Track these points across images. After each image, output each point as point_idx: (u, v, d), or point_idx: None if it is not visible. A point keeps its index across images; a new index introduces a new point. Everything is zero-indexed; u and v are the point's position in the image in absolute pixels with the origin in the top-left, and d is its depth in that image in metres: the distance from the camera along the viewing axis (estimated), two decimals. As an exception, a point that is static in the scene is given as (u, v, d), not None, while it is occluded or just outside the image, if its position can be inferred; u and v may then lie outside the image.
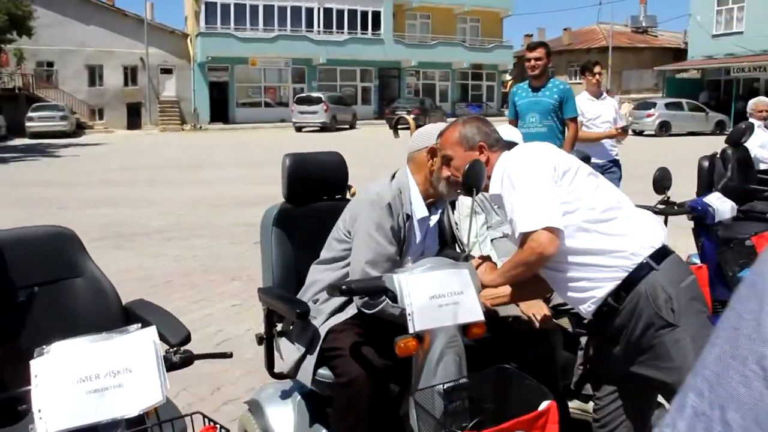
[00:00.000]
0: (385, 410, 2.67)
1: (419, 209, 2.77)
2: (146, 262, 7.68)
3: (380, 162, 14.99)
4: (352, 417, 2.55)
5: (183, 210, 11.41)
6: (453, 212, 3.70)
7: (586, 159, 5.08)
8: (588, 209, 2.26)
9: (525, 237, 2.22)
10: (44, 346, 1.59)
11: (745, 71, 34.19)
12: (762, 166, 7.09)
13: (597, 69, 6.82)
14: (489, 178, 2.43)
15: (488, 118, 3.02)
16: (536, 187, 2.23)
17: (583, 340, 3.45)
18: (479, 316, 2.28)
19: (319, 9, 39.64)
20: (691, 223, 4.47)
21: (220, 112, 38.38)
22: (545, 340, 3.06)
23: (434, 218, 2.87)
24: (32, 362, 1.55)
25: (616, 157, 6.83)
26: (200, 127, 36.58)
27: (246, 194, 13.11)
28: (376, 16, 40.70)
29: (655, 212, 3.88)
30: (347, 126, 34.62)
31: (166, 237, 9.11)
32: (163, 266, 7.50)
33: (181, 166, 18.38)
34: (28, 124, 31.55)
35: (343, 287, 2.34)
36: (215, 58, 37.20)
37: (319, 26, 39.76)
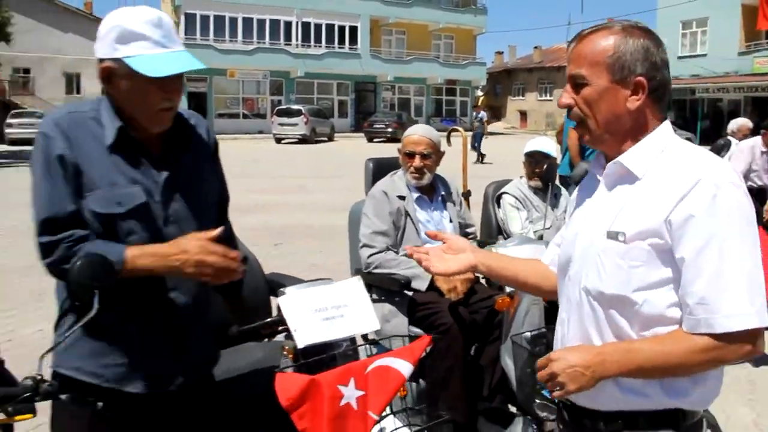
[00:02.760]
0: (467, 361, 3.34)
1: (413, 191, 3.75)
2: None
3: (361, 173, 15.63)
4: (449, 361, 3.22)
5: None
6: (498, 209, 4.39)
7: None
8: None
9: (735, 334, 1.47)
10: (282, 289, 2.23)
11: (709, 92, 35.72)
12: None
13: None
14: (621, 135, 1.64)
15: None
16: (755, 258, 1.51)
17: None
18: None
19: (297, 23, 40.33)
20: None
21: (198, 122, 38.63)
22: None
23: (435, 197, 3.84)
24: (279, 299, 2.18)
25: None
26: (178, 137, 36.81)
27: (243, 202, 13.68)
28: (353, 30, 41.55)
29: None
30: (326, 138, 35.20)
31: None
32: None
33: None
34: (7, 130, 31.51)
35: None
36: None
37: (297, 40, 40.44)
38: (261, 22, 39.73)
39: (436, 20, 43.77)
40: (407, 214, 3.65)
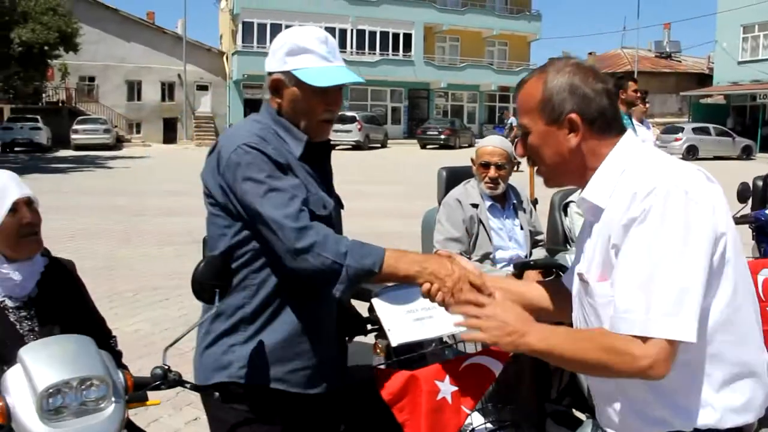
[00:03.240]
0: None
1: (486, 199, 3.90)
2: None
3: (415, 179, 15.92)
4: (520, 363, 3.29)
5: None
6: (566, 217, 4.48)
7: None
8: (729, 298, 1.49)
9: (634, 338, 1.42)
10: (373, 291, 2.38)
11: (772, 98, 34.82)
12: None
13: (647, 98, 7.62)
14: (577, 174, 1.63)
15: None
16: (688, 269, 1.40)
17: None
18: None
19: (352, 30, 40.77)
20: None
21: (254, 129, 39.40)
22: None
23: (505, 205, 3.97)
24: (373, 300, 2.33)
25: None
26: (234, 143, 37.59)
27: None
28: (407, 38, 41.81)
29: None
30: (379, 145, 35.47)
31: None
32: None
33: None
34: (73, 136, 32.79)
35: None
36: (251, 75, 38.28)
37: (352, 47, 40.84)
38: (316, 30, 40.25)
39: (490, 27, 43.74)
40: (480, 221, 3.78)
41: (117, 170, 23.40)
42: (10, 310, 2.10)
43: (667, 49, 50.65)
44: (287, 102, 2.00)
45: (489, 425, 2.40)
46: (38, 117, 32.52)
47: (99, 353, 1.81)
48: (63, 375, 1.67)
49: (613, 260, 1.48)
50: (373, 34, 41.36)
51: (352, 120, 33.85)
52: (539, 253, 3.99)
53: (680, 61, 50.23)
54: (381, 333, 2.33)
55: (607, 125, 1.59)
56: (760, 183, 6.94)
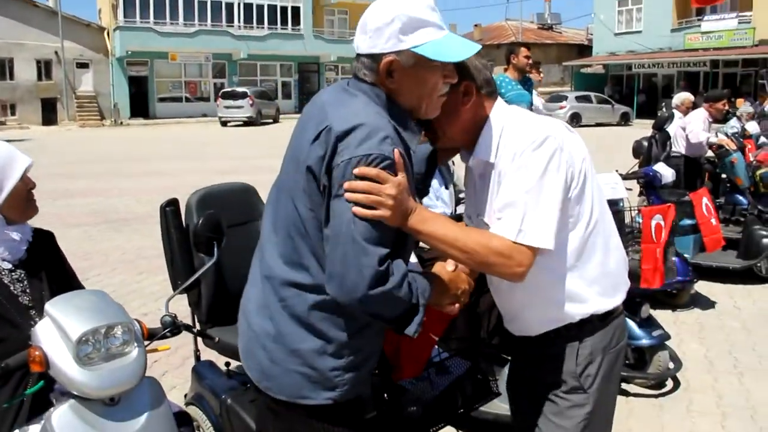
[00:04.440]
0: None
1: None
2: (151, 242, 8.45)
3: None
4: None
5: (159, 197, 12.05)
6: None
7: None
8: (587, 220, 1.93)
9: (510, 243, 1.79)
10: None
11: (645, 67, 36.99)
12: (674, 148, 8.45)
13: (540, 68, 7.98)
14: (467, 131, 1.97)
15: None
16: (550, 198, 1.80)
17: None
18: None
19: (239, 4, 39.99)
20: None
21: (141, 107, 38.17)
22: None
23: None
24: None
25: None
26: (121, 123, 36.33)
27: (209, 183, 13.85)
28: (296, 11, 41.44)
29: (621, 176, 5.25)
30: (271, 120, 35.16)
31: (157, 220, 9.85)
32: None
33: (129, 159, 18.76)
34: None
35: None
36: (135, 52, 37.00)
37: (239, 21, 40.12)
38: (202, 4, 39.25)
39: (378, -1, 43.93)
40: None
41: (-2, 154, 22.19)
42: (4, 273, 2.20)
43: (549, 21, 52.62)
44: (407, 85, 1.79)
45: (444, 353, 2.71)
46: None
47: (116, 304, 1.98)
48: (92, 323, 1.82)
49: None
50: (260, 7, 40.66)
51: (244, 95, 33.46)
52: (463, 209, 4.34)
53: (561, 33, 52.30)
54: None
55: (490, 92, 1.96)
56: (645, 143, 7.67)
